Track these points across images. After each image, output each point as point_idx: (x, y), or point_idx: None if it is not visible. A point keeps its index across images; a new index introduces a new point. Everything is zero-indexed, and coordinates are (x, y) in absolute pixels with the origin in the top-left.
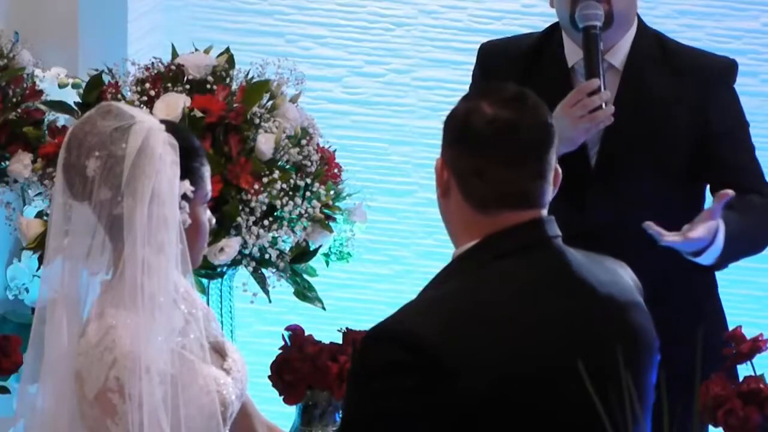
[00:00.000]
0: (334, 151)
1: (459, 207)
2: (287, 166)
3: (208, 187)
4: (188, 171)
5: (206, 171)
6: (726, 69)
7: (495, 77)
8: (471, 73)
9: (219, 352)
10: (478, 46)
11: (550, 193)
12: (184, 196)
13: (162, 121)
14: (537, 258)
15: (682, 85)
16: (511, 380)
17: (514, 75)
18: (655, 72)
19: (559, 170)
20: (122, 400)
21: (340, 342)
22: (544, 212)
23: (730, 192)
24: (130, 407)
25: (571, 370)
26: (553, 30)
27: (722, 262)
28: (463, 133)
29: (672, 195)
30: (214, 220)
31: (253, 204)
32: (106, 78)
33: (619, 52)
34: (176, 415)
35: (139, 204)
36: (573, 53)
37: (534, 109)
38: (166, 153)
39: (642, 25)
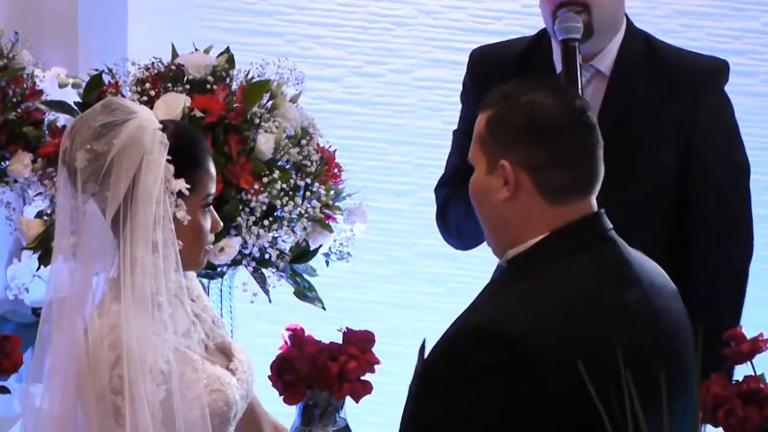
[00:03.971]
0: (334, 151)
1: (530, 203)
2: (287, 166)
3: (210, 189)
4: (186, 172)
5: (206, 173)
6: (716, 71)
7: (486, 84)
8: None
9: (225, 352)
10: (478, 46)
11: None
12: (180, 194)
13: (170, 121)
14: (600, 252)
15: (670, 89)
16: (594, 372)
17: (505, 82)
18: (643, 76)
19: None
20: (125, 398)
21: (340, 342)
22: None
23: None
24: (133, 406)
25: (640, 364)
26: (543, 35)
27: None
28: (534, 125)
29: (659, 203)
30: (221, 225)
31: (253, 204)
32: (106, 78)
33: (606, 57)
34: (179, 414)
35: (133, 202)
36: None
37: (572, 92)
38: (156, 151)
39: (631, 28)
